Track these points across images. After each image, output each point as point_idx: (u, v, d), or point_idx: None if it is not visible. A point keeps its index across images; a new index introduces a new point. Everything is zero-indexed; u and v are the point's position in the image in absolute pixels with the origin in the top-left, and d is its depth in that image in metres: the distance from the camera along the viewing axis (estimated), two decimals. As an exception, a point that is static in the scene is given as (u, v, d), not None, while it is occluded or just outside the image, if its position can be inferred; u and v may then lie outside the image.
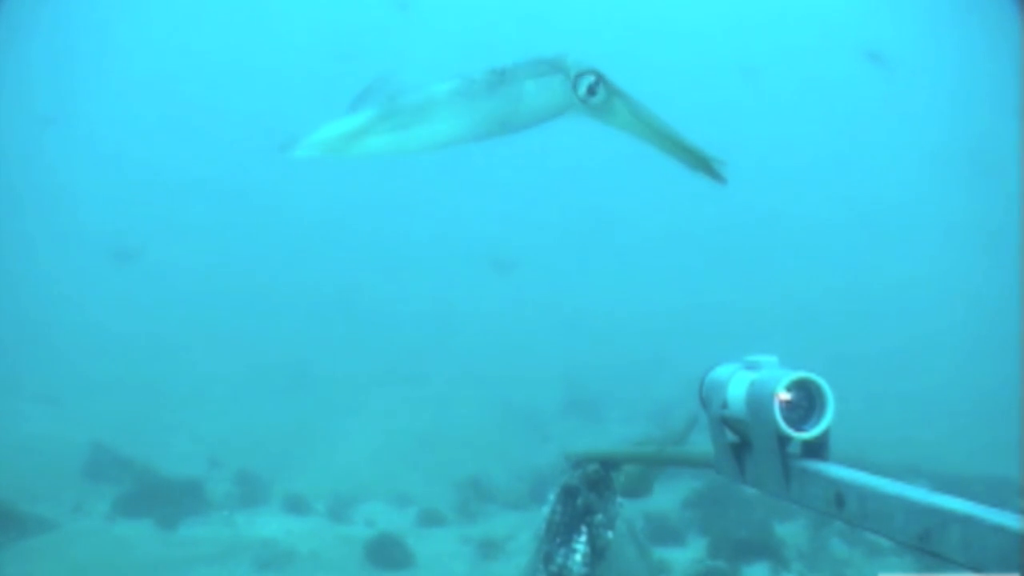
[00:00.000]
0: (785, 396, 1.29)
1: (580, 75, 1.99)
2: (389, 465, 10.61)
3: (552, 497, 1.97)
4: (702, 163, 2.01)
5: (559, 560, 1.85)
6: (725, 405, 1.42)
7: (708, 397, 1.48)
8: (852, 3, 32.72)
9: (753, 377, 1.36)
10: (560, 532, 1.88)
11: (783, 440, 1.31)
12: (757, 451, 1.37)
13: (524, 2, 37.48)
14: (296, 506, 9.14)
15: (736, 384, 1.40)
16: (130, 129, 33.60)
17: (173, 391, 13.33)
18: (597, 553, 1.87)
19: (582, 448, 2.06)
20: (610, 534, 1.89)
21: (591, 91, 1.99)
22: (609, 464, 1.97)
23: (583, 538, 1.86)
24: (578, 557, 1.84)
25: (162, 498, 8.77)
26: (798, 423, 1.30)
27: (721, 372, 1.46)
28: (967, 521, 0.97)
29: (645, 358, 16.57)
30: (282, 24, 36.71)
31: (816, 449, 1.32)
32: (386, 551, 7.71)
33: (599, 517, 1.89)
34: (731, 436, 1.47)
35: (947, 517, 1.00)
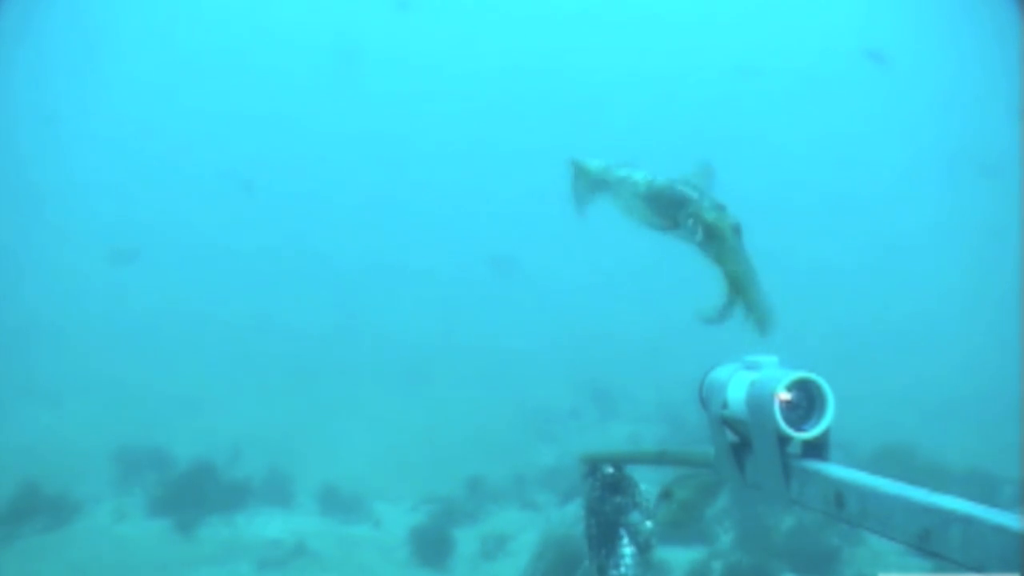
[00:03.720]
0: (785, 396, 1.28)
1: (688, 217, 2.70)
2: (395, 465, 10.59)
3: (583, 512, 1.99)
4: (758, 318, 2.58)
5: (612, 572, 1.87)
6: (725, 405, 1.42)
7: (708, 397, 1.47)
8: (852, 5, 32.69)
9: (753, 377, 1.36)
10: (603, 544, 1.90)
11: (783, 440, 1.30)
12: (757, 451, 1.37)
13: (523, 3, 37.44)
14: (301, 506, 9.15)
15: (736, 384, 1.39)
16: (132, 129, 33.58)
17: (180, 394, 13.32)
18: (643, 548, 1.89)
19: (590, 450, 2.07)
20: (649, 524, 1.91)
21: (693, 231, 2.69)
22: (621, 463, 1.98)
23: (625, 540, 1.88)
24: (628, 560, 1.87)
25: (171, 499, 8.81)
26: (798, 423, 1.30)
27: (721, 372, 1.46)
28: (967, 521, 0.97)
29: (650, 359, 16.54)
30: (283, 24, 36.69)
31: (816, 449, 1.31)
32: (392, 550, 7.73)
33: (634, 515, 1.90)
34: (731, 436, 1.46)
35: (947, 517, 1.00)
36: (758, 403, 1.31)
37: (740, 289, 2.59)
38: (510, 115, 34.99)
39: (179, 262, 24.83)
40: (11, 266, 20.91)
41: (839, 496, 1.18)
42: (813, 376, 1.29)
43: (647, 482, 1.98)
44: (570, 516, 8.04)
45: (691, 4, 37.24)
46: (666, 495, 1.96)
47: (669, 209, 2.73)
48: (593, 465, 1.98)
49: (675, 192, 2.71)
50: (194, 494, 8.95)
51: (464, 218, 31.24)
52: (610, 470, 1.95)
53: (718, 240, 2.61)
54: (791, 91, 34.65)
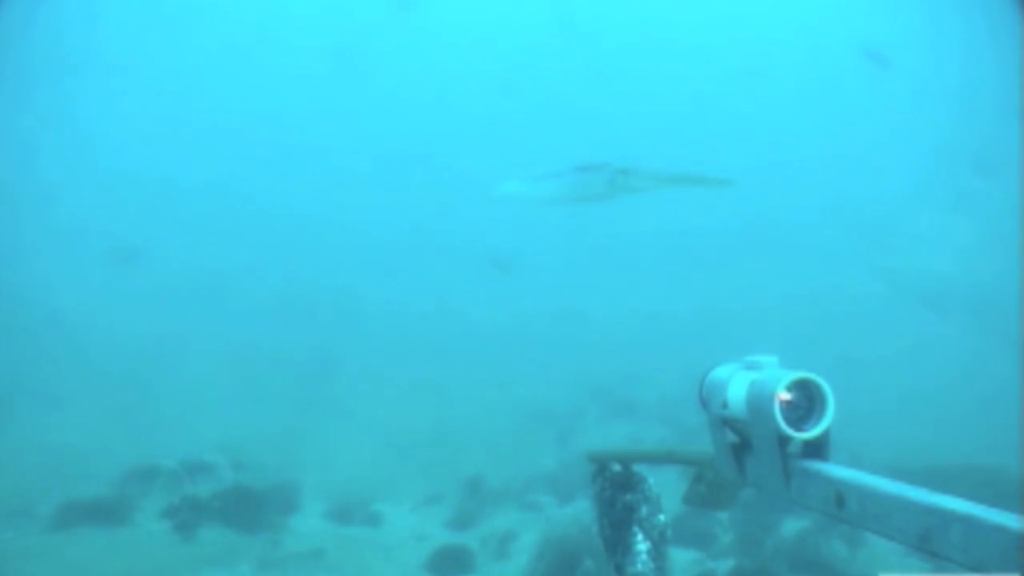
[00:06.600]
0: (785, 396, 1.28)
1: (612, 174, 3.66)
2: (396, 466, 10.59)
3: (595, 514, 1.99)
4: (711, 182, 3.50)
5: (630, 570, 1.88)
6: (725, 405, 1.42)
7: (708, 397, 1.47)
8: (852, 4, 32.70)
9: (753, 377, 1.36)
10: (618, 542, 1.90)
11: (783, 440, 1.30)
12: (757, 451, 1.37)
13: (523, 3, 37.45)
14: (302, 506, 9.14)
15: (736, 384, 1.39)
16: (131, 130, 33.58)
17: (182, 395, 13.31)
18: (657, 542, 1.89)
19: (597, 447, 2.07)
20: (662, 517, 1.91)
21: (612, 183, 3.63)
22: (629, 461, 1.98)
23: (639, 536, 1.88)
24: (644, 556, 1.87)
25: (171, 500, 8.79)
26: (798, 423, 1.30)
27: (721, 372, 1.46)
28: (967, 521, 0.97)
29: (651, 359, 16.53)
30: (282, 24, 36.69)
31: (816, 449, 1.31)
32: (393, 550, 7.72)
33: (643, 511, 1.90)
34: (731, 436, 1.46)
35: (947, 517, 1.00)
36: (758, 403, 1.31)
37: (681, 181, 3.53)
38: (511, 115, 34.98)
39: (180, 262, 24.82)
40: (13, 265, 20.91)
41: (839, 496, 1.19)
42: (813, 376, 1.29)
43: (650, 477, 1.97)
44: (570, 516, 8.04)
45: (692, 6, 37.24)
46: (698, 479, 1.96)
47: (591, 173, 3.62)
48: (601, 464, 1.97)
49: (593, 163, 3.71)
50: (194, 495, 8.95)
51: (465, 217, 31.23)
52: (617, 468, 1.95)
53: (635, 175, 3.58)
54: (791, 92, 34.65)
